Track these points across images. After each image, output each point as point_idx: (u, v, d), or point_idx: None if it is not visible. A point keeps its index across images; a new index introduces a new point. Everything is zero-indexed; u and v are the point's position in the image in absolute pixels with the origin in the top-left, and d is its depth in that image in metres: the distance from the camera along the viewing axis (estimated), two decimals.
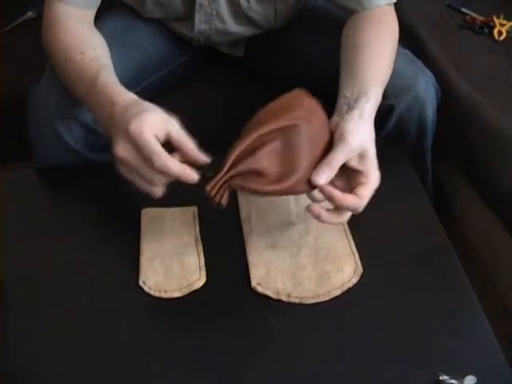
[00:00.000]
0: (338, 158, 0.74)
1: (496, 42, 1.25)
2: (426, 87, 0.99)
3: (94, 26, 0.97)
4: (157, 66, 1.13)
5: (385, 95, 0.91)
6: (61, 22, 0.94)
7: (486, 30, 1.27)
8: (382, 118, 0.96)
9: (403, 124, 0.99)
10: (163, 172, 0.72)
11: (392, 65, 0.92)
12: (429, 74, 1.01)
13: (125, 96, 0.80)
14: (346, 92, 0.84)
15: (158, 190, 0.75)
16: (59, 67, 0.92)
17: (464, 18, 1.32)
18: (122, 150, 0.73)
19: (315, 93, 0.80)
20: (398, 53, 0.95)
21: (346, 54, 0.93)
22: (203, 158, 0.74)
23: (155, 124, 0.73)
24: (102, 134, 0.90)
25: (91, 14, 0.99)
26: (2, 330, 0.74)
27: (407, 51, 1.04)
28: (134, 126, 0.72)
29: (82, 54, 0.88)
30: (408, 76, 0.98)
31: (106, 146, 0.99)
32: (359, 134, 0.75)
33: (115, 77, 0.85)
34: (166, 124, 0.74)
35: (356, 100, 0.81)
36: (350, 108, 0.80)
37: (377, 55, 0.90)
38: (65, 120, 0.94)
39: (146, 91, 0.98)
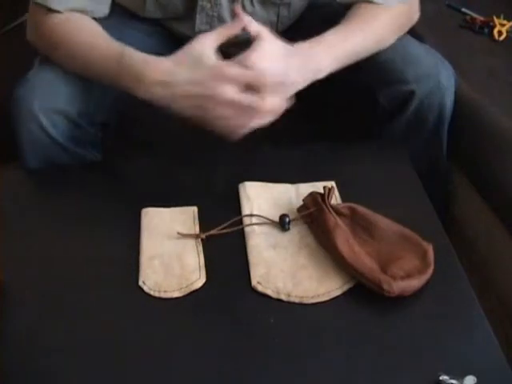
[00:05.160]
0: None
1: (496, 41, 1.24)
2: (447, 75, 1.00)
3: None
4: None
5: (405, 81, 0.94)
6: (73, 22, 0.97)
7: (486, 30, 1.27)
8: (402, 104, 0.97)
9: (423, 110, 1.00)
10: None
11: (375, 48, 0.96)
12: (448, 64, 1.02)
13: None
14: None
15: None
16: (78, 57, 0.94)
17: (464, 18, 1.31)
18: (227, 91, 0.82)
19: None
20: (416, 44, 1.00)
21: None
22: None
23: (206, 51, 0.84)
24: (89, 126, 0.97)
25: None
26: (2, 330, 0.74)
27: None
28: (207, 75, 0.83)
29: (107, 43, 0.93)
30: (429, 64, 0.99)
31: (93, 142, 1.00)
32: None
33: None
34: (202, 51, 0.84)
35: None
36: None
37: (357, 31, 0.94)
38: (49, 113, 0.94)
39: None
